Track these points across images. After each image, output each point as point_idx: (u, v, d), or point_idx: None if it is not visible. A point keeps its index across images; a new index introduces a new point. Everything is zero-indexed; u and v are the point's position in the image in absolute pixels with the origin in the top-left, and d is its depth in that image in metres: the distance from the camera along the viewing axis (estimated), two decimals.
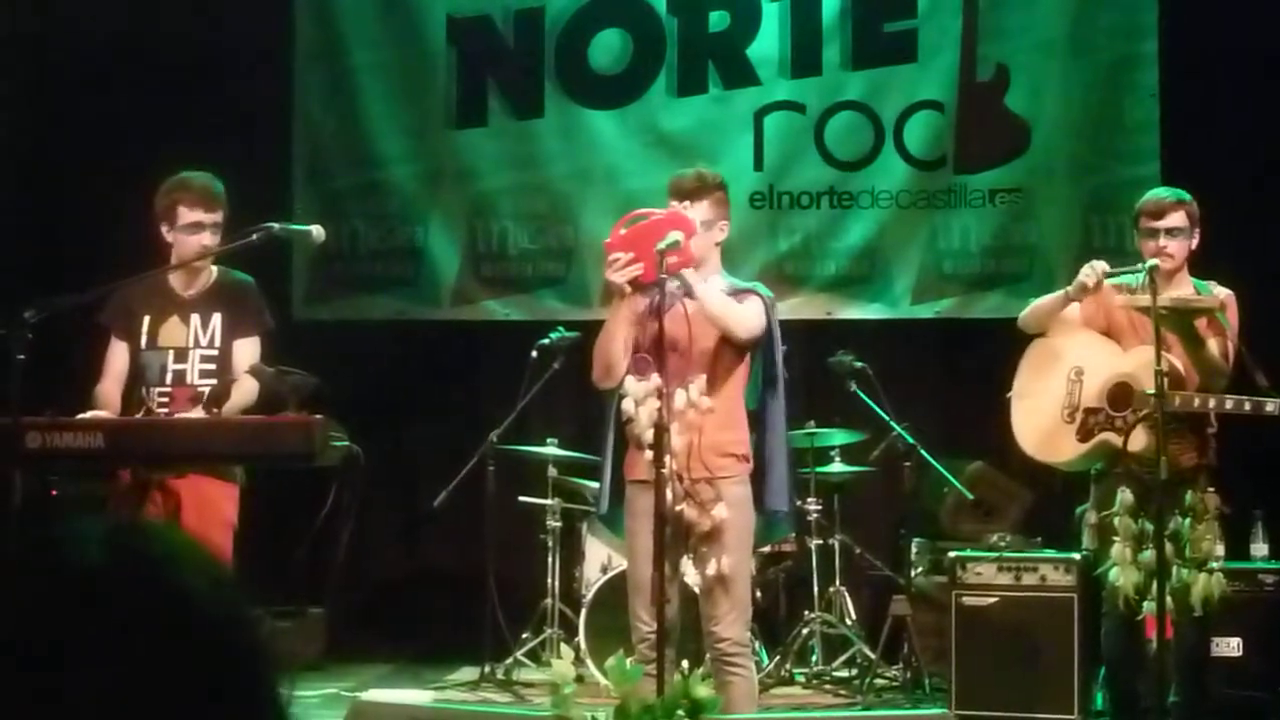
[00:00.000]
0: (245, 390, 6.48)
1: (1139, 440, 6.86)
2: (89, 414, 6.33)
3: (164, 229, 6.82)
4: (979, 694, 8.24)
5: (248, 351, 6.76)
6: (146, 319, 6.81)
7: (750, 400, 6.52)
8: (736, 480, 6.38)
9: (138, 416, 6.51)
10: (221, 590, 1.24)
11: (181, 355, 6.78)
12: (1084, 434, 7.11)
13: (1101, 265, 7.05)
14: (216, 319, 6.81)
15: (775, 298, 6.77)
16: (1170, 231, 7.10)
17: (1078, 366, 7.16)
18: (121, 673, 1.15)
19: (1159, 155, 10.51)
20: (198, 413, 6.37)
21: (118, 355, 6.84)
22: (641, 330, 6.38)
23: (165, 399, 6.67)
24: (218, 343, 6.79)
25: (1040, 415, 7.25)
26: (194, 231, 6.73)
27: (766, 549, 9.29)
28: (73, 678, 1.14)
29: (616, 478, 6.60)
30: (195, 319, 6.81)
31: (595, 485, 7.31)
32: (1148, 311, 6.74)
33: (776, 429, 6.60)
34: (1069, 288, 7.14)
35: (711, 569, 6.25)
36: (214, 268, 6.91)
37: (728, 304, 6.37)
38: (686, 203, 6.44)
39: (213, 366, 6.75)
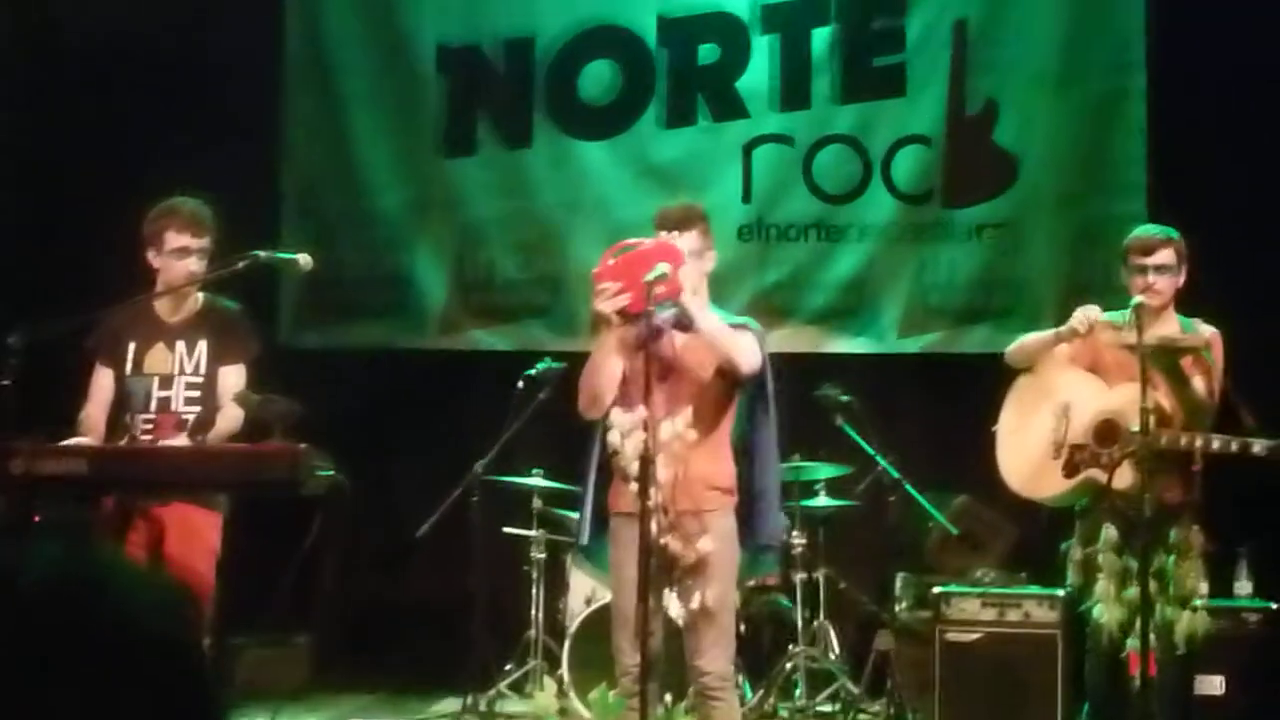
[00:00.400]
0: (230, 418, 6.47)
1: (1124, 477, 6.86)
2: (73, 440, 6.32)
3: (151, 254, 6.82)
4: None
5: (233, 378, 6.75)
6: (132, 345, 6.81)
7: (737, 434, 6.51)
8: (722, 513, 6.37)
9: (122, 443, 6.50)
10: (167, 616, 1.23)
11: (166, 382, 6.77)
12: (1070, 470, 7.11)
13: (1094, 311, 7.05)
14: (202, 346, 6.80)
15: (764, 330, 6.77)
16: (1158, 268, 7.11)
17: (1064, 403, 7.17)
18: (62, 693, 1.14)
19: (1146, 190, 10.52)
20: (183, 440, 6.36)
21: (103, 381, 6.84)
22: (629, 361, 6.37)
23: (150, 425, 6.67)
24: (203, 369, 6.79)
25: (1026, 451, 7.25)
26: (181, 256, 6.74)
27: (751, 582, 9.27)
28: (11, 697, 1.13)
29: (598, 510, 6.59)
30: (181, 345, 6.80)
31: (578, 517, 7.29)
32: (1134, 349, 6.75)
33: (766, 463, 6.58)
34: (1061, 328, 7.14)
35: (696, 602, 6.24)
36: (200, 294, 6.90)
37: (733, 336, 6.36)
38: (675, 233, 6.43)
39: (198, 394, 6.74)
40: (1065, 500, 7.26)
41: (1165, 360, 6.96)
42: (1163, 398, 6.98)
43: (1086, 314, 7.04)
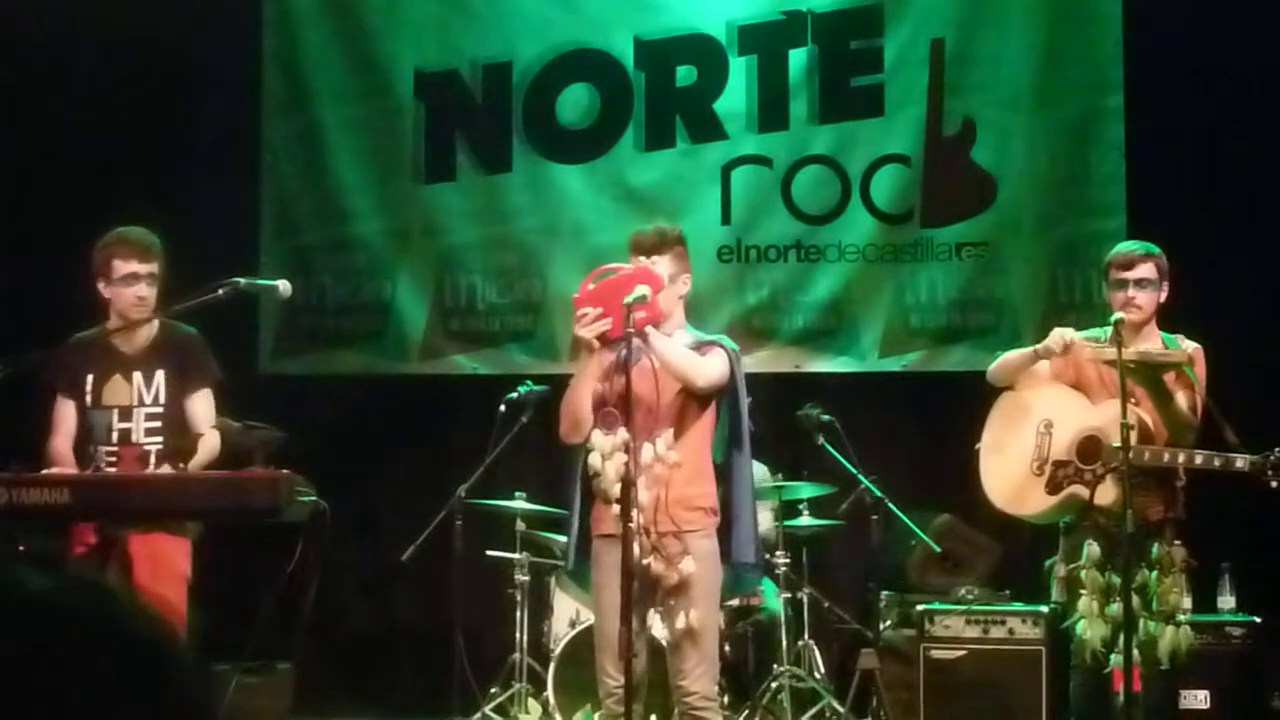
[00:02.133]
0: (209, 446, 6.46)
1: (1107, 493, 6.88)
2: (53, 470, 6.32)
3: (101, 285, 6.81)
4: None
5: (204, 404, 6.74)
6: (90, 377, 6.79)
7: (716, 454, 6.52)
8: (704, 534, 6.38)
9: (88, 474, 6.47)
10: (169, 639, 1.24)
11: (126, 414, 6.76)
12: (1053, 487, 7.12)
13: (1070, 333, 7.08)
14: (160, 375, 6.79)
15: (743, 351, 6.79)
16: (1139, 283, 7.13)
17: (1047, 419, 7.18)
18: (62, 706, 1.14)
19: (1125, 209, 10.55)
20: (164, 469, 6.36)
21: (66, 413, 6.82)
22: (608, 385, 6.38)
23: (112, 458, 6.62)
24: (163, 399, 6.77)
25: (1009, 468, 7.25)
26: (130, 283, 6.72)
27: (735, 602, 9.28)
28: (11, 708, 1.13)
29: (583, 533, 6.59)
30: (138, 376, 6.78)
31: (564, 539, 7.29)
32: (1114, 364, 6.77)
33: (743, 482, 6.59)
34: (1038, 346, 7.16)
35: (679, 623, 6.24)
36: (156, 322, 6.88)
37: (686, 355, 6.38)
38: (649, 258, 6.44)
39: (159, 424, 6.72)
40: (1048, 517, 7.27)
41: (1147, 376, 6.98)
42: (1145, 414, 7.00)
43: (1062, 335, 7.06)
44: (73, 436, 6.79)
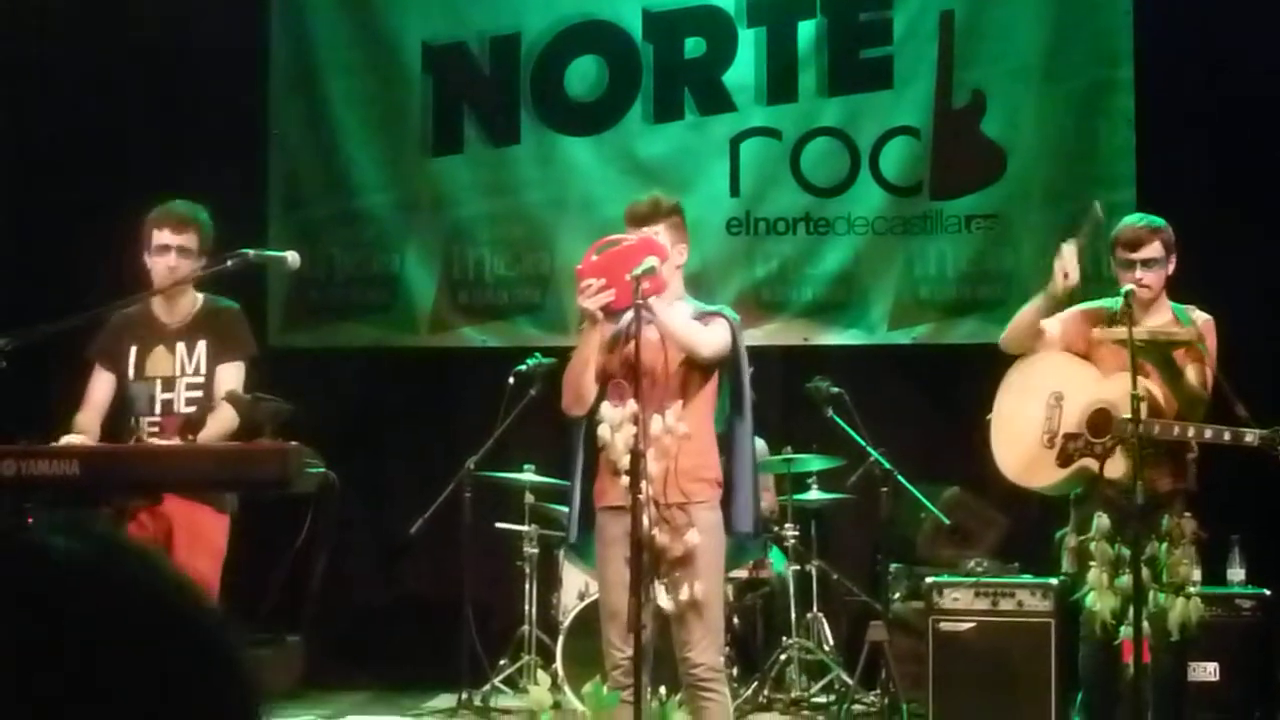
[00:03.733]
0: (224, 418, 6.45)
1: (1117, 466, 6.87)
2: (64, 440, 6.31)
3: (145, 255, 6.84)
4: (956, 719, 8.24)
5: (230, 375, 6.75)
6: (134, 350, 6.81)
7: (718, 424, 6.51)
8: (708, 505, 6.36)
9: (98, 445, 6.48)
10: (204, 604, 1.23)
11: (169, 384, 6.78)
12: (1063, 459, 7.11)
13: (1069, 259, 7.03)
14: (201, 346, 6.80)
15: (752, 323, 6.78)
16: (1146, 263, 7.10)
17: (1057, 391, 7.16)
18: (99, 680, 1.13)
19: (1135, 181, 10.52)
20: (173, 439, 6.35)
21: (100, 386, 6.83)
22: (613, 356, 6.36)
23: (155, 429, 6.66)
24: (203, 370, 6.79)
25: (1020, 440, 7.24)
26: (162, 254, 6.74)
27: (744, 575, 9.29)
28: (45, 680, 1.12)
29: (585, 505, 6.58)
30: (181, 348, 6.80)
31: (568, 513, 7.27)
32: (1124, 343, 6.75)
33: (743, 451, 6.57)
34: (1045, 290, 7.12)
35: (684, 594, 6.23)
36: (199, 295, 6.91)
37: (689, 325, 6.36)
38: (654, 227, 6.42)
39: (199, 394, 6.74)
40: (1059, 489, 7.25)
41: (1157, 352, 6.96)
42: (1155, 387, 6.98)
43: (1061, 262, 7.03)
44: (103, 411, 6.80)
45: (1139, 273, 7.10)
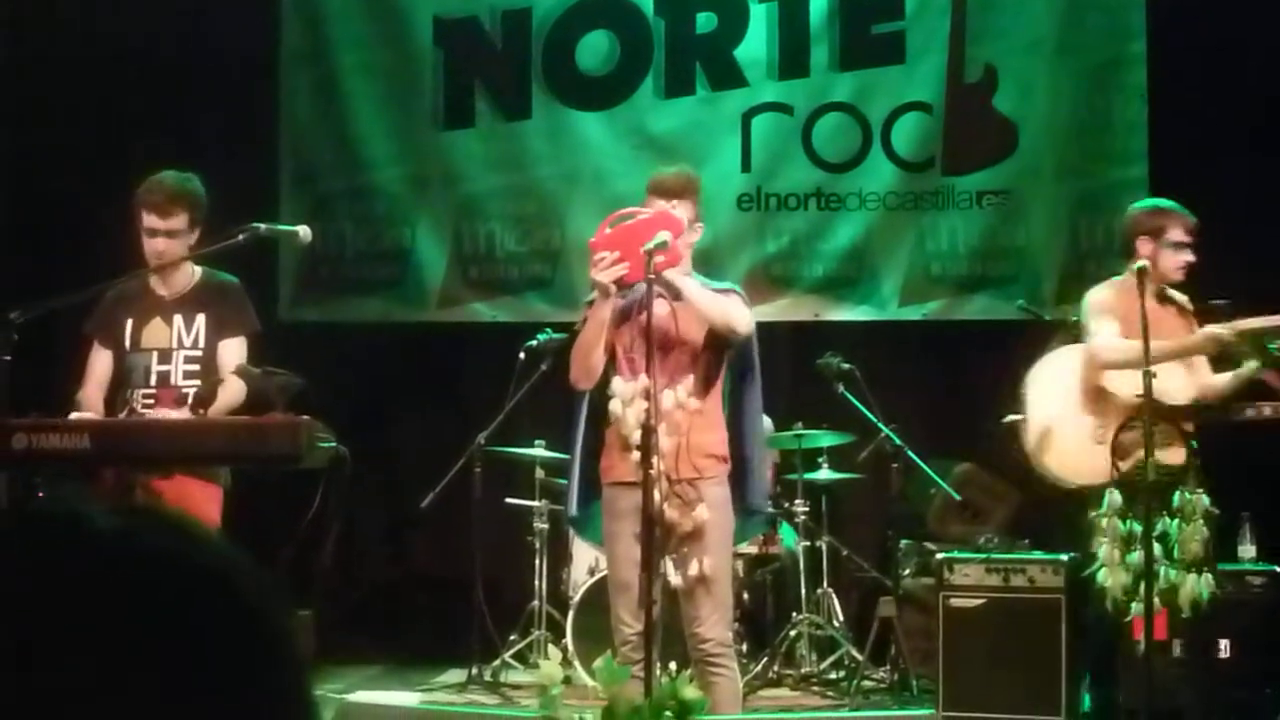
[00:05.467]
0: (232, 391, 6.42)
1: (1176, 454, 6.90)
2: (75, 415, 6.30)
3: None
4: (966, 696, 8.23)
5: (233, 352, 6.71)
6: (129, 322, 6.77)
7: (725, 400, 6.50)
8: (717, 481, 6.35)
9: (122, 416, 6.48)
10: (247, 571, 1.22)
11: (165, 356, 6.74)
12: (1120, 453, 7.07)
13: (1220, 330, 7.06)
14: (200, 319, 6.76)
15: (762, 299, 6.77)
16: (1192, 247, 7.21)
17: (1099, 386, 7.18)
18: (142, 655, 1.12)
19: (1147, 157, 10.50)
20: (184, 414, 6.34)
21: (100, 361, 6.80)
22: (623, 330, 6.34)
23: (150, 400, 6.63)
24: (201, 343, 6.74)
25: (1068, 437, 7.24)
26: (149, 236, 6.66)
27: (754, 550, 9.29)
28: (82, 658, 1.11)
29: (585, 479, 6.56)
30: (178, 320, 6.76)
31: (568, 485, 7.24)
32: (1241, 338, 6.83)
33: (752, 427, 6.57)
34: (1187, 343, 7.13)
35: (693, 570, 6.22)
36: (198, 269, 6.85)
37: (719, 300, 6.35)
38: (672, 202, 6.39)
39: (197, 367, 6.70)
40: (1113, 483, 7.22)
41: (1257, 344, 7.02)
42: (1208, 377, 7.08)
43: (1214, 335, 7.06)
44: (105, 386, 6.77)
45: (1190, 256, 7.17)
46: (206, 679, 1.13)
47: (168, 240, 6.67)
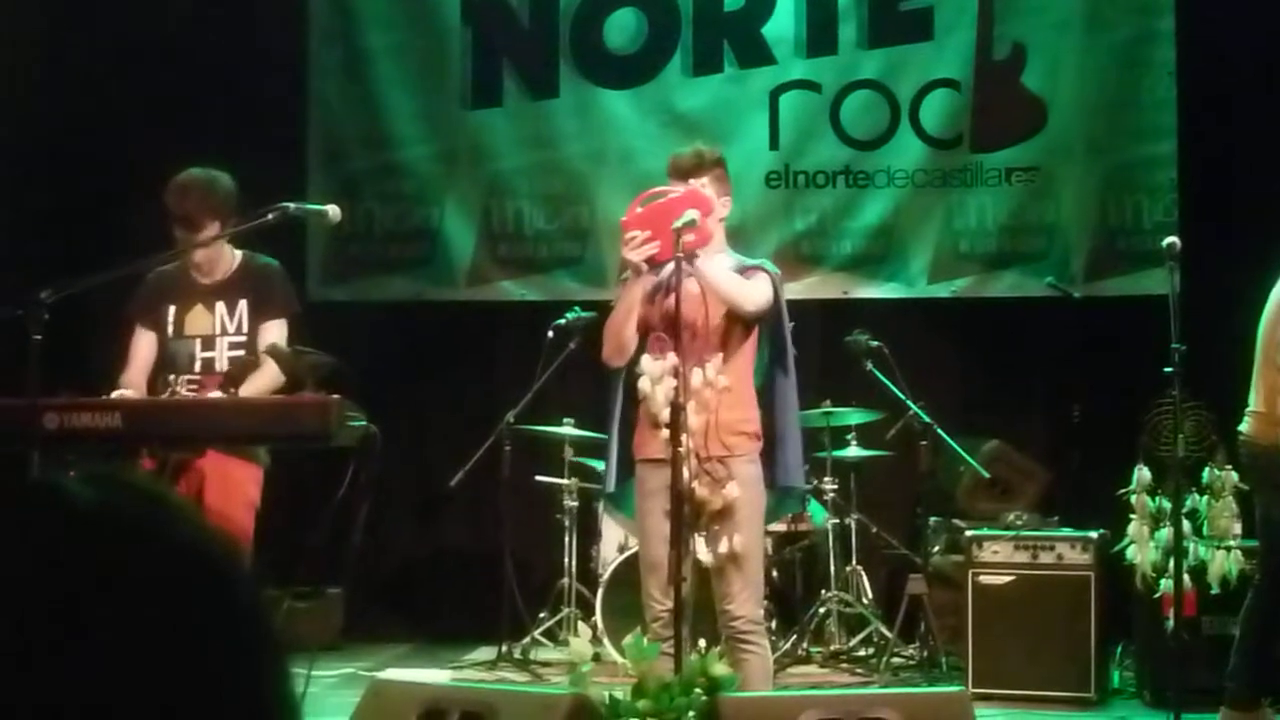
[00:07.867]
0: (269, 373, 6.43)
1: None
2: (115, 394, 6.33)
3: None
4: (995, 672, 8.25)
5: (272, 333, 6.72)
6: (172, 309, 6.79)
7: (757, 377, 6.50)
8: (748, 458, 6.36)
9: (140, 397, 6.48)
10: (228, 551, 1.23)
11: (209, 343, 6.76)
12: None
13: None
14: (243, 304, 6.78)
15: (791, 277, 6.76)
16: None
17: None
18: (117, 628, 1.13)
19: (1176, 133, 10.48)
20: (215, 393, 6.36)
21: (143, 343, 6.82)
22: (653, 308, 6.36)
23: (195, 387, 6.64)
24: (245, 328, 6.77)
25: None
26: (183, 243, 6.68)
27: (783, 528, 9.30)
28: (67, 632, 1.12)
29: (624, 457, 6.58)
30: (221, 306, 6.78)
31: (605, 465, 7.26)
32: None
33: (787, 405, 6.56)
34: None
35: (724, 547, 6.23)
36: (238, 253, 6.88)
37: (731, 278, 6.35)
38: (689, 181, 6.40)
39: (241, 353, 6.72)
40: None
41: None
42: None
43: None
44: (148, 369, 6.78)
45: None
46: (177, 649, 1.14)
47: (203, 250, 6.70)
